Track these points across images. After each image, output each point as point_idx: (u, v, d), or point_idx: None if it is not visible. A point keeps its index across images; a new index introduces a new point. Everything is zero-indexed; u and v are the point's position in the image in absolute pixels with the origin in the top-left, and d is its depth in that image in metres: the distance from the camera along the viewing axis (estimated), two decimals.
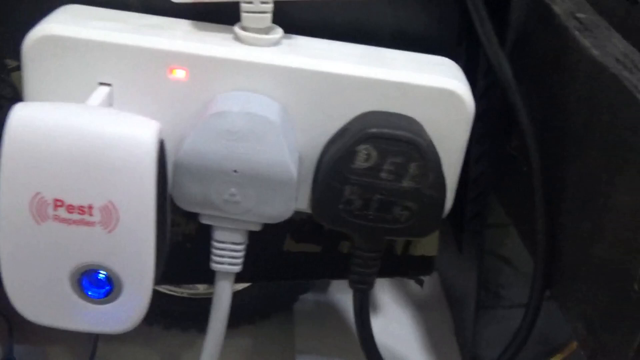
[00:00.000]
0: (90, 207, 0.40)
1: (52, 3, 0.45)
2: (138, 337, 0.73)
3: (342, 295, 0.78)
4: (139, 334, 0.73)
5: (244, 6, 0.43)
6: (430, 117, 0.44)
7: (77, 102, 0.42)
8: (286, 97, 0.43)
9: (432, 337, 0.75)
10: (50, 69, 0.43)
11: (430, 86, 0.43)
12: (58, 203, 0.39)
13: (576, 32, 0.44)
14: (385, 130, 0.42)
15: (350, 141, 0.42)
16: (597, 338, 0.42)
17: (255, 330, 0.75)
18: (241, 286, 0.73)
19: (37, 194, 0.39)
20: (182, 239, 0.54)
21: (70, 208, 0.40)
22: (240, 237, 0.45)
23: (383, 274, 0.60)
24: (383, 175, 0.42)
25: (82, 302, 0.42)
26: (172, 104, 0.43)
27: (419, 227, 0.44)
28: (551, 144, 0.47)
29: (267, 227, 0.45)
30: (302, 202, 0.45)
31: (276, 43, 0.44)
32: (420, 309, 0.78)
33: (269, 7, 0.43)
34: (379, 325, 0.74)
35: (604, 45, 0.43)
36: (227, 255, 0.46)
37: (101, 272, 0.42)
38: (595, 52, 0.42)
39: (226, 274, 0.47)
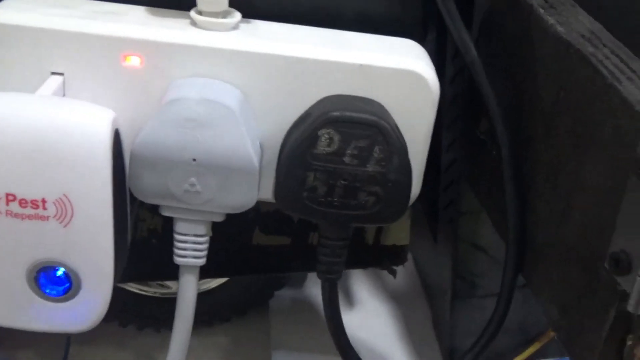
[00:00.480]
0: (43, 201, 0.38)
1: None
2: (111, 338, 0.72)
3: (318, 290, 0.77)
4: (113, 335, 0.72)
5: None
6: (394, 99, 0.43)
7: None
8: (245, 82, 0.42)
9: (409, 329, 0.74)
10: None
11: (393, 68, 0.42)
12: (10, 197, 0.38)
13: (541, 10, 0.44)
14: (347, 114, 0.41)
15: (312, 126, 0.41)
16: (570, 321, 0.42)
17: (231, 328, 0.74)
18: (215, 284, 0.72)
19: None
20: (148, 235, 0.53)
21: (22, 202, 0.38)
22: (203, 229, 0.44)
23: (355, 264, 0.59)
24: (347, 160, 0.41)
25: (40, 301, 0.41)
26: (127, 93, 0.42)
27: (385, 213, 0.43)
28: (520, 126, 0.47)
29: (234, 220, 0.44)
30: (266, 191, 0.44)
31: (234, 27, 0.43)
32: (398, 301, 0.77)
33: None
34: (356, 320, 0.74)
35: (569, 22, 0.42)
36: (190, 248, 0.44)
37: (59, 268, 0.40)
38: (560, 29, 0.42)
39: (190, 267, 0.45)
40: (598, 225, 0.38)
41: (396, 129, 0.42)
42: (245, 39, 0.42)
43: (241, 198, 0.42)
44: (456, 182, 0.60)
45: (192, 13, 0.43)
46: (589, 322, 0.39)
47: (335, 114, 0.41)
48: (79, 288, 0.41)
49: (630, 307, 0.35)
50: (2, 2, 0.42)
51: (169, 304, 0.71)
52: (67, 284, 0.41)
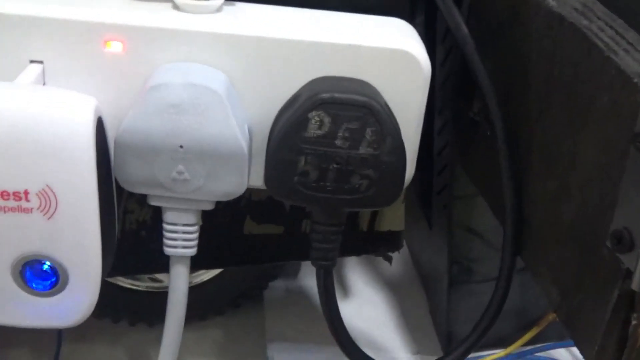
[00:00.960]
0: (26, 193, 0.37)
1: None
2: (104, 335, 0.71)
3: (312, 280, 0.76)
4: (105, 332, 0.71)
5: None
6: (384, 79, 0.42)
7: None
8: (231, 66, 0.41)
9: (406, 317, 0.73)
10: None
11: (382, 47, 0.41)
12: None
13: None
14: (337, 95, 0.40)
15: (301, 108, 0.40)
16: (571, 302, 0.41)
17: (225, 320, 0.73)
18: (208, 276, 0.71)
19: None
20: (137, 227, 0.52)
21: (4, 195, 0.37)
22: (193, 218, 0.43)
23: (350, 252, 0.58)
24: (338, 142, 0.40)
25: (26, 296, 0.40)
26: (109, 79, 0.41)
27: (379, 196, 0.42)
28: (514, 106, 0.46)
29: (225, 209, 0.43)
30: (256, 178, 0.43)
31: (217, 10, 0.42)
32: (393, 289, 0.76)
33: None
34: (352, 309, 0.73)
35: None
36: (180, 238, 0.43)
37: (45, 262, 0.39)
38: (552, 2, 0.41)
39: (181, 258, 0.44)
40: (597, 202, 0.37)
41: (388, 109, 0.41)
42: (229, 22, 0.41)
43: (231, 185, 0.41)
44: (449, 166, 0.59)
45: None
46: (591, 303, 0.38)
47: (325, 95, 0.40)
48: (66, 282, 0.39)
49: (634, 286, 0.34)
50: None
51: (161, 298, 0.70)
52: (54, 278, 0.39)
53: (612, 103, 0.36)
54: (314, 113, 0.40)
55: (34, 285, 0.40)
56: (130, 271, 0.60)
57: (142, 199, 0.42)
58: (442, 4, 0.45)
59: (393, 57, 0.41)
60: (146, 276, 0.68)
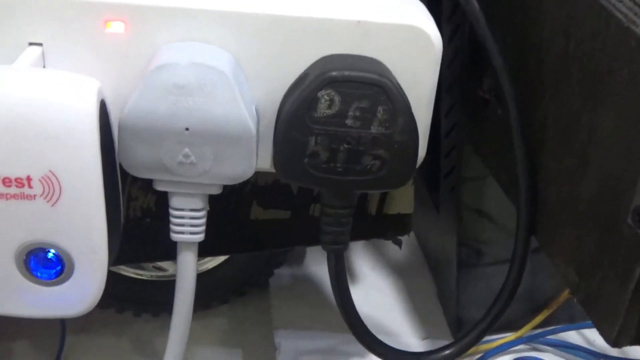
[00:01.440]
0: (29, 179, 0.36)
1: None
2: (108, 325, 0.70)
3: (318, 267, 0.75)
4: (109, 322, 0.70)
5: None
6: (395, 57, 0.40)
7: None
8: (237, 45, 0.40)
9: (414, 301, 0.72)
10: None
11: (392, 23, 0.40)
12: None
13: None
14: (347, 73, 0.38)
15: (310, 87, 0.38)
16: (589, 282, 0.40)
17: (231, 309, 0.72)
18: (213, 264, 0.70)
19: None
20: (141, 214, 0.51)
21: (6, 181, 0.36)
22: (200, 203, 0.42)
23: (358, 236, 0.57)
24: (349, 122, 0.39)
25: (31, 285, 0.39)
26: (111, 61, 0.40)
27: (392, 177, 0.40)
28: (527, 83, 0.44)
29: (231, 194, 0.42)
30: (264, 160, 0.42)
31: None
32: (400, 274, 0.75)
33: None
34: (359, 295, 0.71)
35: None
36: (187, 223, 0.42)
37: (50, 250, 0.38)
38: None
39: (188, 244, 0.43)
40: (618, 179, 0.36)
41: (399, 87, 0.39)
42: None
43: (239, 167, 0.40)
44: (457, 147, 0.58)
45: None
46: (611, 283, 0.37)
47: (335, 73, 0.38)
48: (71, 270, 0.38)
49: None
50: None
51: (166, 287, 0.69)
52: (59, 266, 0.38)
53: (633, 75, 0.34)
54: (323, 92, 0.38)
55: (38, 274, 0.39)
56: (135, 259, 0.59)
57: (146, 185, 0.41)
58: None
59: (403, 33, 0.40)
60: (151, 265, 0.67)
